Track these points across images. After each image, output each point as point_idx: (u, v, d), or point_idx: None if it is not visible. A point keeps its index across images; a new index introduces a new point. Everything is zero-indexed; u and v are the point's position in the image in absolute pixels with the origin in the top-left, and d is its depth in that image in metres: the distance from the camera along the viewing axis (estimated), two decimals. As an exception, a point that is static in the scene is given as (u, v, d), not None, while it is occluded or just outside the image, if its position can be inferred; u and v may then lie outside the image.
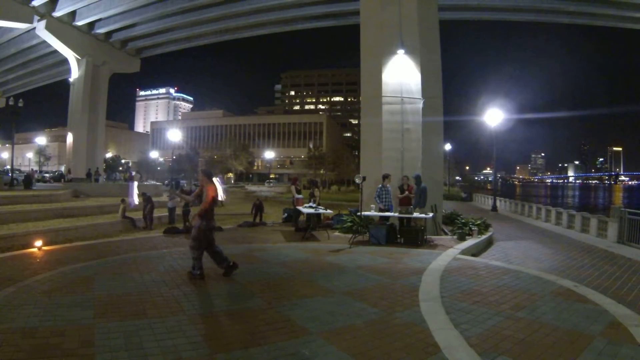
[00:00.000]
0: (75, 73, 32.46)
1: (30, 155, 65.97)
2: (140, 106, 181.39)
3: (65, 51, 30.69)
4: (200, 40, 33.07)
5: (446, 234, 10.80)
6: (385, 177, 10.08)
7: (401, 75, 11.41)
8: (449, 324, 3.89)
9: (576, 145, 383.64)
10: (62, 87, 39.89)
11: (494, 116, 23.95)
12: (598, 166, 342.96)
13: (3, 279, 5.39)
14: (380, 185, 10.06)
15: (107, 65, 33.36)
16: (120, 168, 62.69)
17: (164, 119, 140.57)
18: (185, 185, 34.85)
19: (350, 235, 9.43)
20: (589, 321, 4.06)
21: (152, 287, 5.16)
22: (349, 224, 10.19)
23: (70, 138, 33.60)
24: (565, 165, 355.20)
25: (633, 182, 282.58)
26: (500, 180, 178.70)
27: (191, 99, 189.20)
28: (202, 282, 5.48)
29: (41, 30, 27.74)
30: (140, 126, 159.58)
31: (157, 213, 13.75)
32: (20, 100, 22.94)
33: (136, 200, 12.15)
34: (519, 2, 24.90)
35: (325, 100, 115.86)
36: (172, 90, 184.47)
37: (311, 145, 74.55)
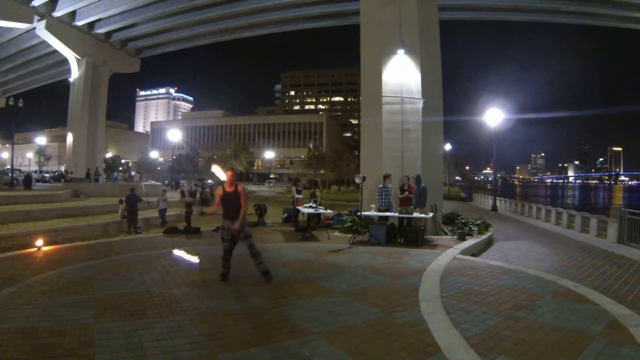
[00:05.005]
0: (75, 73, 32.44)
1: (30, 155, 65.92)
2: (140, 106, 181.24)
3: (65, 51, 30.67)
4: (200, 40, 33.06)
5: (446, 234, 10.79)
6: (386, 177, 10.09)
7: (401, 75, 11.40)
8: (449, 324, 3.89)
9: (576, 145, 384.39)
10: (62, 87, 39.89)
11: (493, 116, 23.95)
12: (598, 166, 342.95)
13: (3, 279, 5.39)
14: (381, 185, 10.07)
15: (107, 65, 33.33)
16: (120, 168, 62.67)
17: (164, 119, 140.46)
18: (185, 185, 34.86)
19: (350, 235, 9.43)
20: (589, 321, 4.06)
21: (152, 287, 5.16)
22: (349, 224, 10.19)
23: (70, 138, 33.59)
24: (565, 165, 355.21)
25: (633, 182, 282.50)
26: (500, 180, 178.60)
27: (191, 99, 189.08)
28: (202, 282, 5.49)
29: (41, 30, 27.71)
30: (140, 126, 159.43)
31: (151, 215, 13.70)
32: (20, 100, 22.94)
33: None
34: (519, 2, 24.89)
35: (325, 100, 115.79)
36: (172, 90, 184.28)
37: (311, 145, 74.53)
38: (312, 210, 10.69)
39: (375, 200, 10.14)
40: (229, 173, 5.68)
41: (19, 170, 44.35)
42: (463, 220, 11.18)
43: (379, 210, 9.84)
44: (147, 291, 4.95)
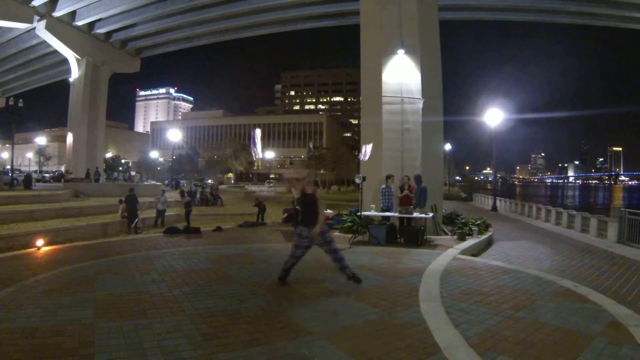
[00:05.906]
0: (75, 73, 32.46)
1: (30, 155, 65.90)
2: (140, 106, 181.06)
3: (65, 51, 30.69)
4: (200, 40, 33.06)
5: (446, 234, 10.80)
6: (389, 177, 10.13)
7: (401, 75, 11.41)
8: (449, 324, 3.89)
9: (576, 145, 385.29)
10: (62, 87, 39.92)
11: (493, 116, 23.97)
12: (598, 166, 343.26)
13: (3, 279, 5.39)
14: (384, 186, 10.08)
15: (107, 65, 33.35)
16: (120, 168, 62.67)
17: (164, 119, 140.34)
18: (185, 185, 34.84)
19: (350, 235, 9.43)
20: (589, 321, 4.06)
21: (152, 287, 5.16)
22: (349, 224, 10.18)
23: (70, 138, 33.60)
24: (565, 165, 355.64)
25: (633, 182, 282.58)
26: (500, 180, 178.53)
27: (191, 99, 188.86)
28: (202, 282, 5.48)
29: (41, 30, 27.73)
30: (140, 126, 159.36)
31: (150, 215, 13.69)
32: (20, 100, 22.97)
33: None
34: (519, 2, 24.92)
35: (325, 100, 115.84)
36: (172, 90, 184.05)
37: (311, 145, 74.52)
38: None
39: (379, 200, 10.15)
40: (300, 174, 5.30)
41: (19, 170, 44.34)
42: (463, 220, 11.17)
43: (381, 211, 9.84)
44: (147, 291, 4.95)
